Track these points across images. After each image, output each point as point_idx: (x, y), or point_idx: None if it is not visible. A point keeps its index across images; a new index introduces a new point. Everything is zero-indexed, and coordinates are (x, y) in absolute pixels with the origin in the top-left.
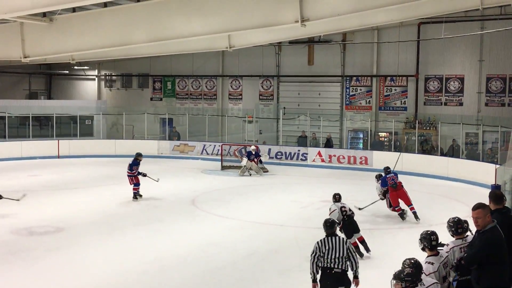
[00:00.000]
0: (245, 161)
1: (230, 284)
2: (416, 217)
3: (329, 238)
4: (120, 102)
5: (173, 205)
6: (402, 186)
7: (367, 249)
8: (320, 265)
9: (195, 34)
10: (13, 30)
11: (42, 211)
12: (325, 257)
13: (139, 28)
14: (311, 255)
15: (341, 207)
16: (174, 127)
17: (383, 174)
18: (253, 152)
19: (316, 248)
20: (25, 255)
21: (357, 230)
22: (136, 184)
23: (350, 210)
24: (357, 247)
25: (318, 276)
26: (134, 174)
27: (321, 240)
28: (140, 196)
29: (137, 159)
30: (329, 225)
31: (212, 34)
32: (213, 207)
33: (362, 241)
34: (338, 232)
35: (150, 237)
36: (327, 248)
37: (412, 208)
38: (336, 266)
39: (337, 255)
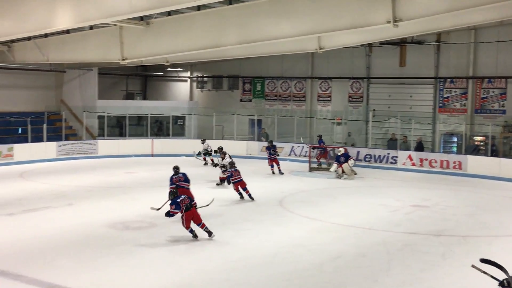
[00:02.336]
0: (335, 166)
1: (316, 286)
2: None
3: None
4: (211, 103)
5: (261, 205)
6: None
7: None
8: None
9: (284, 36)
10: (113, 34)
11: (136, 207)
12: None
13: (230, 31)
14: None
15: None
16: (263, 128)
17: None
18: (340, 154)
19: None
20: (120, 248)
21: None
22: None
23: None
24: None
25: None
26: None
27: None
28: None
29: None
30: None
31: (301, 36)
32: (300, 208)
33: None
34: None
35: (237, 236)
36: None
37: None
38: None
39: None
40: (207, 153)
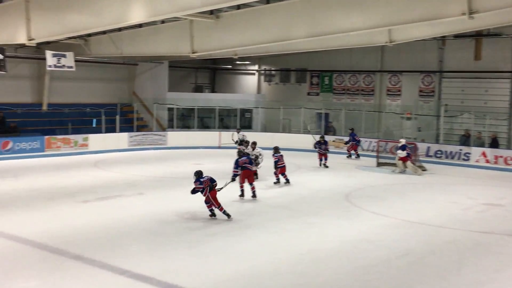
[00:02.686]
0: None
1: (382, 283)
2: None
3: None
4: (278, 96)
5: (327, 199)
6: None
7: None
8: None
9: (354, 29)
10: (184, 27)
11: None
12: None
13: (298, 24)
14: None
15: None
16: (330, 122)
17: None
18: (400, 145)
19: None
20: (189, 237)
21: None
22: None
23: None
24: None
25: None
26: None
27: None
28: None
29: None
30: None
31: (371, 29)
32: (367, 204)
33: None
34: None
35: (304, 229)
36: None
37: None
38: None
39: None
40: (242, 142)
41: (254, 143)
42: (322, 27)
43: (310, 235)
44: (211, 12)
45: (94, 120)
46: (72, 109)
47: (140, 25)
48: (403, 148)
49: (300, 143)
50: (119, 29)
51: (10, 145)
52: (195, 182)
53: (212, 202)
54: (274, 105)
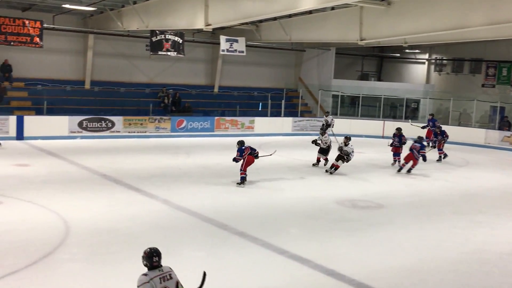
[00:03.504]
0: None
1: None
2: None
3: None
4: (448, 87)
5: (498, 198)
6: None
7: None
8: None
9: None
10: (353, 14)
11: (364, 186)
12: None
13: (476, 11)
14: None
15: None
16: (505, 116)
17: None
18: None
19: None
20: (347, 225)
21: None
22: None
23: None
24: None
25: None
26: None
27: None
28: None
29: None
30: None
31: None
32: None
33: None
34: None
35: (470, 227)
36: None
37: None
38: None
39: None
40: (327, 127)
41: (348, 138)
42: (503, 13)
43: (476, 235)
44: None
45: (260, 104)
46: (241, 92)
47: (310, 12)
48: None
49: (470, 137)
50: (289, 16)
51: (184, 124)
52: (237, 151)
53: (244, 165)
54: (443, 96)
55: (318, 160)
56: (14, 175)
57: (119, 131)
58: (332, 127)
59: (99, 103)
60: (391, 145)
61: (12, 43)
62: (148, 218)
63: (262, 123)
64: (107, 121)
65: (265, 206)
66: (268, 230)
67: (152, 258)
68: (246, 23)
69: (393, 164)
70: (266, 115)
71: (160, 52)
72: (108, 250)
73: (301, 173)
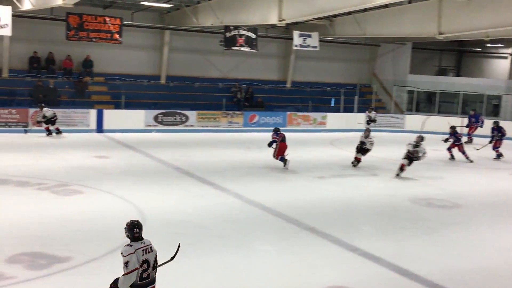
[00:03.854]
0: None
1: None
2: None
3: None
4: None
5: None
6: None
7: None
8: None
9: None
10: (431, 7)
11: (441, 185)
12: None
13: None
14: None
15: None
16: None
17: None
18: None
19: None
20: (423, 225)
21: None
22: None
23: None
24: None
25: None
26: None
27: None
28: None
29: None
30: None
31: None
32: None
33: None
34: None
35: None
36: None
37: None
38: None
39: None
40: (370, 122)
41: (421, 138)
42: None
43: None
44: None
45: (333, 100)
46: (313, 87)
47: (385, 6)
48: None
49: None
50: (364, 10)
51: (256, 119)
52: (272, 135)
53: (278, 151)
54: None
55: (358, 160)
56: (94, 166)
57: (192, 125)
58: (375, 122)
59: (174, 98)
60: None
61: (93, 40)
62: (220, 211)
63: (334, 119)
64: (181, 115)
65: (337, 202)
66: (340, 227)
67: (133, 230)
68: (320, 18)
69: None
70: (338, 111)
71: (233, 48)
72: (182, 242)
73: (374, 169)
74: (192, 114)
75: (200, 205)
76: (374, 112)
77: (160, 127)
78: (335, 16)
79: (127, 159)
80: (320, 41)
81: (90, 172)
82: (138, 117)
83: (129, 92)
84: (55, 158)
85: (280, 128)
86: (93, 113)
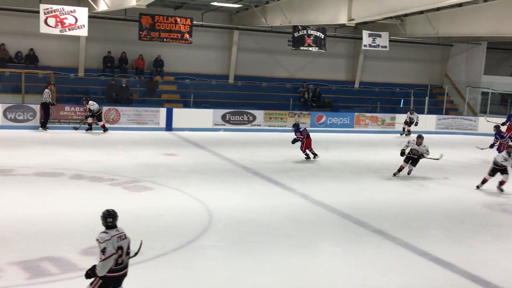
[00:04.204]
0: None
1: None
2: None
3: None
4: None
5: None
6: None
7: None
8: None
9: None
10: (508, 5)
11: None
12: None
13: None
14: None
15: None
16: None
17: None
18: None
19: None
20: (494, 230)
21: None
22: None
23: None
24: None
25: None
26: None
27: None
28: None
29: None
30: None
31: None
32: None
33: None
34: None
35: None
36: None
37: None
38: None
39: None
40: (410, 124)
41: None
42: None
43: None
44: None
45: (402, 101)
46: (382, 88)
47: (459, 4)
48: None
49: None
50: (437, 9)
51: (323, 119)
52: (295, 132)
53: (305, 146)
54: None
55: (400, 169)
56: (164, 163)
57: (259, 125)
58: (416, 125)
59: (241, 97)
60: None
61: (164, 40)
62: (286, 211)
63: (403, 120)
64: (249, 115)
65: (406, 205)
66: (408, 230)
67: (106, 219)
68: (390, 17)
69: None
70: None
71: (302, 48)
72: (248, 240)
73: (445, 172)
74: (259, 114)
75: (266, 205)
76: (416, 114)
77: (228, 126)
78: (406, 15)
79: (195, 157)
80: (390, 40)
81: (159, 169)
82: (206, 116)
83: (197, 91)
84: (126, 155)
85: (348, 129)
86: (163, 111)
